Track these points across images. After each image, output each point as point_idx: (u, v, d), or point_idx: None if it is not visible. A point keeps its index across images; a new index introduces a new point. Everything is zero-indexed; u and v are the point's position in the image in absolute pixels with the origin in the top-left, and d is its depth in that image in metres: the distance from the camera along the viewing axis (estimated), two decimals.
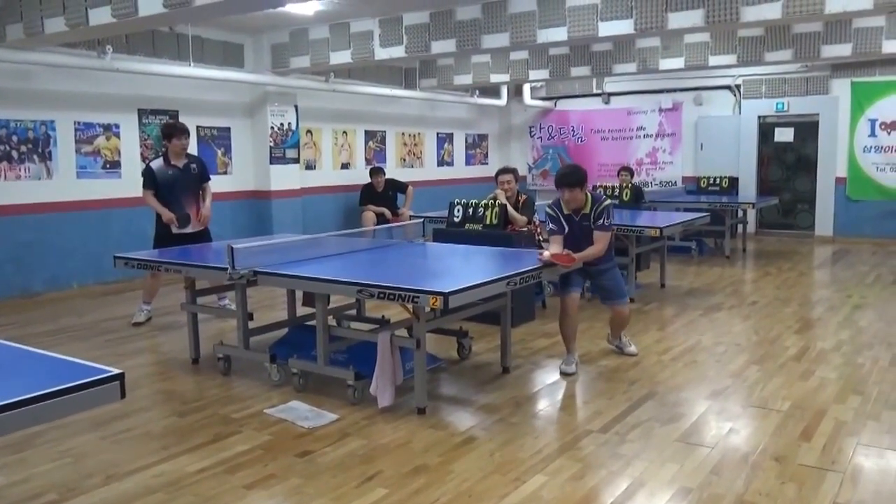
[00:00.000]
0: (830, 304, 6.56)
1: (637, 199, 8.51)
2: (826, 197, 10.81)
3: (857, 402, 3.96)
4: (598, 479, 3.09)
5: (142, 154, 7.83)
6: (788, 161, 11.40)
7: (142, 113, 7.83)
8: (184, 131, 5.90)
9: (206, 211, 6.03)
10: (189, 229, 5.90)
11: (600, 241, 4.43)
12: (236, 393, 4.27)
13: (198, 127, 8.35)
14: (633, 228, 6.60)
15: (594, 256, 4.45)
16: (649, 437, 3.52)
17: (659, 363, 4.75)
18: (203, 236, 5.98)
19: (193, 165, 5.97)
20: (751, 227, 10.93)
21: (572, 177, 4.43)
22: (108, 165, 7.56)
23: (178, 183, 5.83)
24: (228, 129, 8.75)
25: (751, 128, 11.25)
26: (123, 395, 2.09)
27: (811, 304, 6.67)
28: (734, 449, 3.39)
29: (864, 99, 10.32)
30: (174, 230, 5.82)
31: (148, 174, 5.85)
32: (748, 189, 10.94)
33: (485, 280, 3.74)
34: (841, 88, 10.47)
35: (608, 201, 4.52)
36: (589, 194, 4.49)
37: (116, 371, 2.07)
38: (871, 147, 10.35)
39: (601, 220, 4.43)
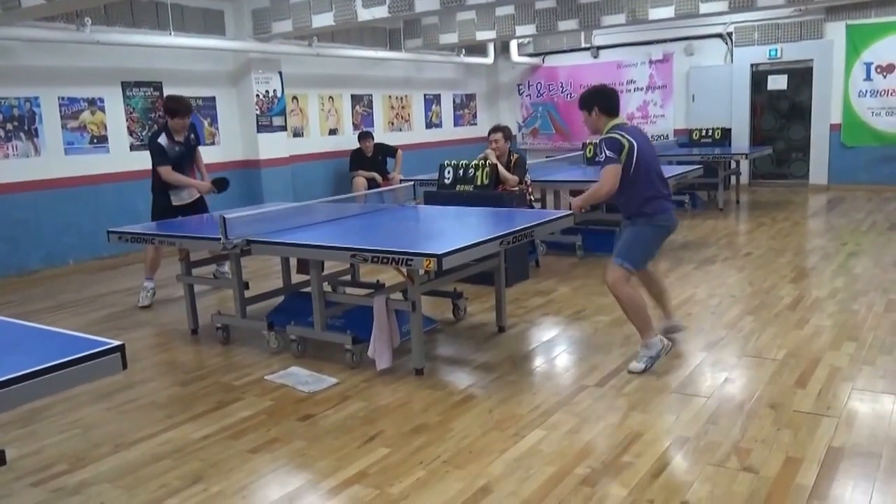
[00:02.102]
0: (825, 252, 6.60)
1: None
2: (820, 144, 10.77)
3: (851, 348, 4.01)
4: (595, 431, 3.14)
5: (128, 127, 7.74)
6: (782, 109, 11.32)
7: (125, 85, 7.71)
8: (189, 109, 5.79)
9: (206, 180, 6.00)
10: (186, 199, 5.81)
11: (599, 180, 3.84)
12: (236, 361, 4.31)
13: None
14: None
15: (592, 198, 3.94)
16: (646, 390, 3.57)
17: (654, 317, 4.78)
18: (200, 206, 5.91)
19: (192, 136, 5.91)
20: (744, 178, 10.91)
21: (582, 98, 3.98)
22: (95, 140, 7.47)
23: (182, 157, 5.76)
24: (213, 98, 8.62)
25: (743, 77, 11.14)
26: (125, 367, 2.10)
27: (806, 254, 6.70)
28: (730, 398, 3.45)
29: (860, 42, 10.19)
30: (174, 202, 5.75)
31: (160, 151, 5.64)
32: (741, 140, 10.89)
33: (477, 240, 3.74)
34: (835, 32, 10.33)
35: (613, 134, 3.80)
36: (613, 124, 3.87)
37: (117, 343, 2.08)
38: (866, 91, 10.27)
39: (597, 156, 3.94)
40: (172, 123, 5.69)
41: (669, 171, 7.17)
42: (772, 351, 4.04)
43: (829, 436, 2.98)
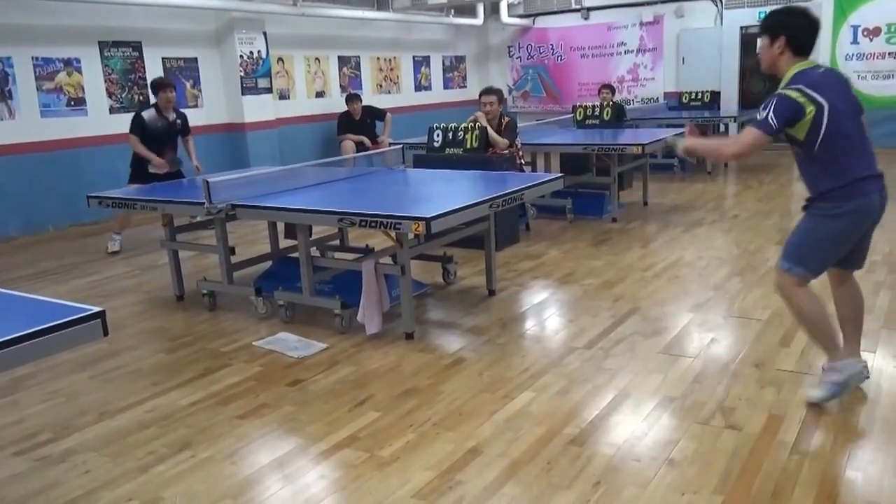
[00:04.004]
0: None
1: (619, 117, 8.39)
2: None
3: (833, 308, 4.04)
4: (584, 392, 3.17)
5: (107, 89, 7.55)
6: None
7: (103, 45, 7.50)
8: (168, 85, 6.34)
9: (196, 162, 6.52)
10: (160, 170, 6.23)
11: (737, 136, 2.91)
12: (223, 327, 4.28)
13: (163, 59, 8.04)
14: (615, 147, 6.54)
15: (710, 152, 3.24)
16: (633, 351, 3.59)
17: (642, 279, 4.81)
18: (176, 174, 6.27)
19: (179, 120, 6.39)
20: None
21: (770, 17, 2.88)
22: (72, 103, 7.29)
23: (164, 134, 6.24)
24: (195, 59, 8.42)
25: (733, 39, 11.04)
26: (106, 333, 2.07)
27: (792, 216, 6.72)
28: (715, 358, 3.48)
29: (847, 5, 10.11)
30: (150, 169, 6.17)
31: (137, 122, 6.18)
32: (730, 103, 10.83)
33: (467, 204, 3.71)
34: None
35: (793, 91, 2.68)
36: (800, 69, 2.76)
37: (97, 309, 2.05)
38: (853, 55, 10.22)
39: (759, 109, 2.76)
40: (158, 100, 6.28)
41: (660, 133, 7.18)
42: (757, 311, 4.07)
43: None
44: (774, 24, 2.82)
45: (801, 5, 3.02)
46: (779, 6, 3.06)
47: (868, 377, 3.01)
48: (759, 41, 2.89)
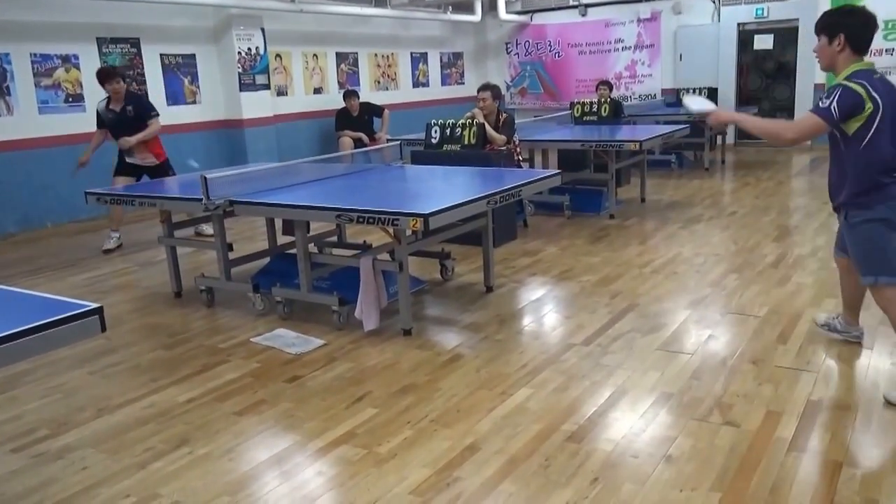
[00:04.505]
0: (808, 211, 6.63)
1: (616, 113, 8.40)
2: (805, 104, 10.69)
3: (831, 304, 4.05)
4: (581, 389, 3.17)
5: None
6: (768, 69, 11.26)
7: (101, 42, 7.47)
8: (111, 75, 6.16)
9: (124, 140, 6.13)
10: (139, 161, 6.22)
11: (794, 120, 2.95)
12: (221, 324, 4.28)
13: (161, 55, 8.02)
14: (613, 143, 6.54)
15: (759, 130, 3.02)
16: (631, 348, 3.60)
17: (640, 276, 4.81)
18: (163, 168, 6.27)
19: (129, 108, 6.19)
20: (730, 138, 10.89)
21: (826, 17, 2.93)
22: (70, 99, 7.27)
23: (116, 124, 6.18)
24: (193, 56, 8.40)
25: (730, 36, 11.03)
26: (104, 329, 2.07)
27: (789, 212, 6.74)
28: (713, 354, 3.49)
29: (845, 1, 10.10)
30: (127, 159, 6.24)
31: (96, 114, 6.30)
32: (727, 99, 10.83)
33: (465, 200, 3.71)
34: None
35: (855, 84, 2.75)
36: (858, 68, 2.83)
37: (95, 305, 2.04)
38: None
39: (819, 100, 2.83)
40: (106, 91, 6.15)
41: (657, 130, 7.18)
42: (754, 308, 4.08)
43: (808, 390, 3.03)
44: (836, 25, 2.85)
45: (859, 4, 3.07)
46: (837, 6, 3.11)
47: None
48: (819, 40, 2.93)
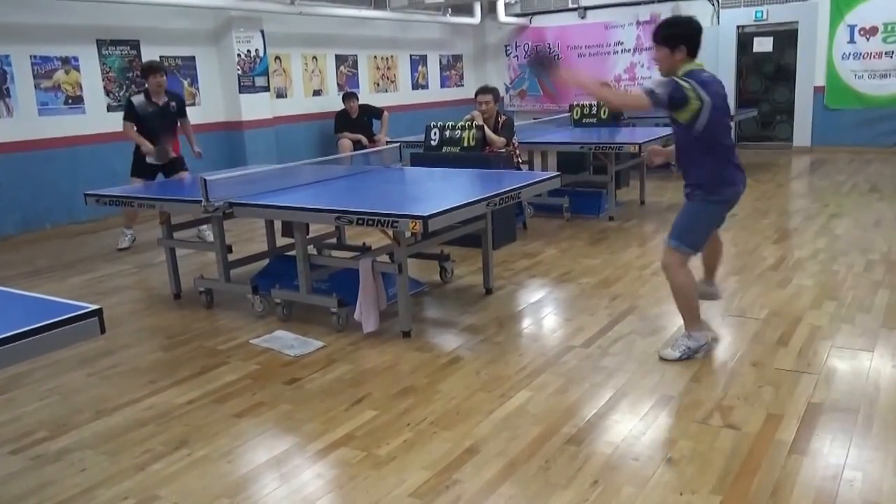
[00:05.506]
0: (808, 213, 6.63)
1: (615, 116, 8.39)
2: (804, 107, 10.75)
3: (832, 307, 4.05)
4: (581, 391, 3.16)
5: (105, 88, 7.53)
6: (767, 71, 11.27)
7: (101, 44, 7.47)
8: (158, 69, 6.13)
9: (198, 148, 6.40)
10: (159, 160, 6.14)
11: (627, 92, 3.32)
12: (220, 325, 4.27)
13: (161, 57, 7.99)
14: (612, 145, 6.54)
15: (597, 92, 3.43)
16: (631, 350, 3.59)
17: (639, 278, 4.81)
18: (177, 165, 6.24)
19: (173, 103, 6.21)
20: None
21: (664, 27, 3.27)
22: (70, 101, 7.26)
23: (157, 119, 6.09)
24: (193, 58, 8.40)
25: (729, 38, 11.04)
26: (103, 331, 2.06)
27: (789, 215, 6.74)
28: (714, 357, 3.48)
29: (844, 5, 10.12)
30: (148, 160, 6.11)
31: (128, 107, 6.10)
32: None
33: (464, 202, 3.70)
34: None
35: (686, 83, 3.13)
36: (690, 68, 3.22)
37: (94, 307, 2.04)
38: (849, 54, 10.23)
39: (655, 90, 3.15)
40: (148, 85, 6.12)
41: (657, 132, 7.18)
42: (755, 310, 4.08)
43: (809, 393, 3.02)
44: (675, 37, 3.22)
45: (686, 16, 3.48)
46: (671, 17, 3.51)
47: (711, 348, 3.52)
48: (658, 50, 3.25)
